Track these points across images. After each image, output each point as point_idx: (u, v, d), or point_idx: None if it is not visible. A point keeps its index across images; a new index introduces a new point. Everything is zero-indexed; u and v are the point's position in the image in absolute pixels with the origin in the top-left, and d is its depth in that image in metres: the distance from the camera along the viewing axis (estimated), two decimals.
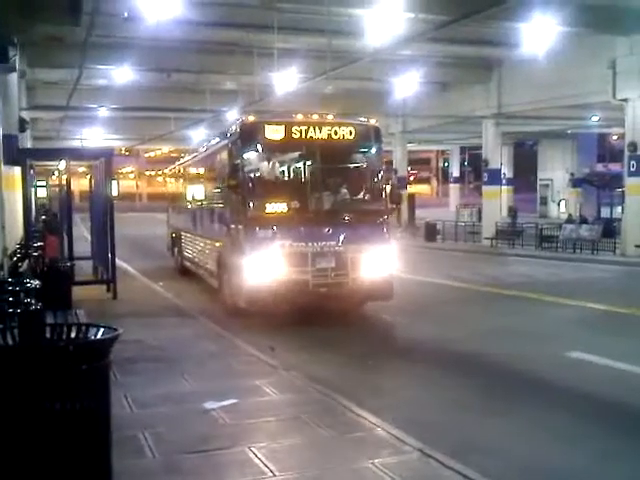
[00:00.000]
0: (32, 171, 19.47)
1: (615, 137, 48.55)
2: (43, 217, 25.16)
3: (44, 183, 31.87)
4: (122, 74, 24.51)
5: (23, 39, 16.79)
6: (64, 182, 15.07)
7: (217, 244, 13.41)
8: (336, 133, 11.52)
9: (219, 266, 13.04)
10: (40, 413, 3.79)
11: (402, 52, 22.21)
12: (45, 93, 28.75)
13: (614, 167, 47.47)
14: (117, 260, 14.22)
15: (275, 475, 4.84)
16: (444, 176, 79.14)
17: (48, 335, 4.24)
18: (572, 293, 14.67)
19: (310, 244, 11.02)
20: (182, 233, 18.46)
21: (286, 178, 12.70)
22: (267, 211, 11.15)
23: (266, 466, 4.99)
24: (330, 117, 12.07)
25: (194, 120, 32.80)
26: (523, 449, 5.87)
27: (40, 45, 19.62)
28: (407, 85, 25.64)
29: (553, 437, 6.11)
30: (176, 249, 19.51)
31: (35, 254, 11.75)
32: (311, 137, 11.38)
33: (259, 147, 11.60)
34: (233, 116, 26.70)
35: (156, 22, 16.09)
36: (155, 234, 27.23)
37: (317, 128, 11.42)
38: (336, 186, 11.90)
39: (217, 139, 14.15)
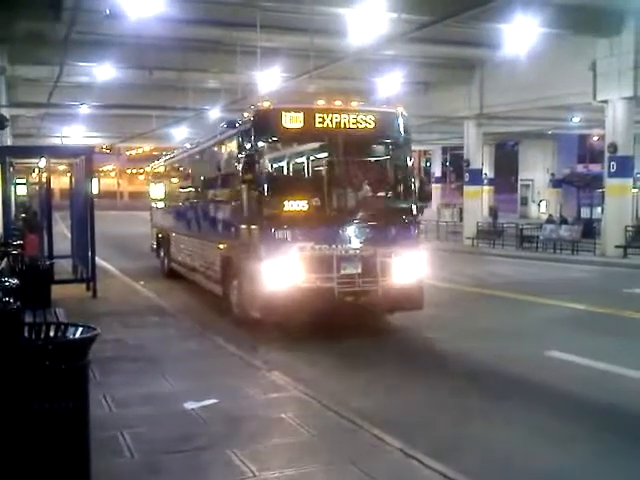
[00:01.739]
0: (12, 169, 19.31)
1: (595, 138, 48.91)
2: (23, 215, 24.91)
3: (24, 181, 31.67)
4: (104, 71, 24.37)
5: (3, 35, 16.67)
6: (44, 180, 14.96)
7: (222, 246, 12.00)
8: (361, 121, 10.39)
9: (224, 271, 11.70)
10: (18, 413, 3.75)
11: (385, 52, 22.29)
12: (26, 90, 28.53)
13: (594, 168, 47.87)
14: (97, 259, 14.12)
15: (255, 475, 4.82)
16: (426, 176, 79.42)
17: (27, 334, 4.20)
18: (553, 293, 14.74)
19: (335, 247, 9.88)
20: (171, 233, 16.98)
21: (307, 172, 11.79)
22: (286, 209, 9.92)
23: (247, 466, 4.96)
24: (354, 104, 10.92)
25: (176, 118, 32.65)
26: (504, 449, 5.88)
27: (21, 42, 19.48)
28: (390, 85, 25.74)
29: (535, 437, 6.11)
30: (162, 250, 18.01)
31: (14, 252, 11.61)
32: (334, 126, 10.25)
33: (275, 137, 10.43)
34: (216, 114, 26.66)
35: (138, 19, 16.01)
36: (136, 233, 27.05)
37: (340, 116, 10.30)
38: (362, 181, 10.72)
39: (223, 129, 12.14)
